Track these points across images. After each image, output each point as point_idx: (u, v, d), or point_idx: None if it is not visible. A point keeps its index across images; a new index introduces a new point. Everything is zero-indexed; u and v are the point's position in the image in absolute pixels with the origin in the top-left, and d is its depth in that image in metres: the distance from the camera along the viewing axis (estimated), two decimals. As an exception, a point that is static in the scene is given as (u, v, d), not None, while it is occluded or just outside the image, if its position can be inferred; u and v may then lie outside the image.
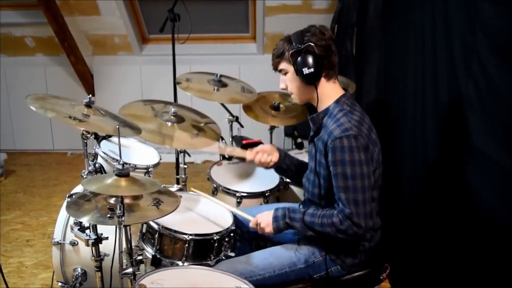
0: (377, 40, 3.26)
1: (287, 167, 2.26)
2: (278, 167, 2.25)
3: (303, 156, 2.37)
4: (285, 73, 1.94)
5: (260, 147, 2.25)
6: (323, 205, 1.95)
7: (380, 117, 2.02)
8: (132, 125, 2.13)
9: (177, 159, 3.13)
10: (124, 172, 1.75)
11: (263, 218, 2.00)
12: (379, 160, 1.88)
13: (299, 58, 1.84)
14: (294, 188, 2.72)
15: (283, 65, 1.93)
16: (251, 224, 2.05)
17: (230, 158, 2.88)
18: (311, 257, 1.96)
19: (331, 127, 1.83)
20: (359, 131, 1.80)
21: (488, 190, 1.78)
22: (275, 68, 1.98)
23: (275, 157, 2.22)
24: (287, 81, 1.95)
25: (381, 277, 2.03)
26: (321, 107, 1.94)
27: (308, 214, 1.89)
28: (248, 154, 2.24)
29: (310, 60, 1.82)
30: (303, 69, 1.83)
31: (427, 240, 2.30)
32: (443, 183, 2.14)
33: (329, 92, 1.92)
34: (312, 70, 1.83)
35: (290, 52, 1.86)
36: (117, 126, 1.85)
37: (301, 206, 2.17)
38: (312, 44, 1.83)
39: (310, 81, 1.87)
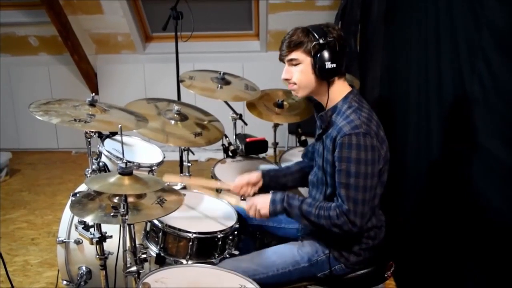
0: (381, 37, 3.25)
1: (274, 186, 2.24)
2: (266, 188, 2.23)
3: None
4: (296, 64, 1.89)
5: (242, 181, 2.19)
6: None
7: (384, 114, 2.00)
8: (138, 116, 2.15)
9: (181, 157, 3.13)
10: (127, 170, 1.74)
11: (260, 200, 1.98)
12: (386, 157, 1.87)
13: (322, 51, 1.81)
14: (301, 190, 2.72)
15: (298, 55, 1.87)
16: (246, 207, 2.02)
17: (234, 155, 2.89)
18: (314, 256, 1.95)
19: (340, 124, 1.82)
20: (368, 128, 1.79)
21: (493, 188, 1.77)
22: (284, 57, 1.91)
23: (257, 186, 2.20)
24: (296, 72, 1.89)
25: (386, 275, 2.02)
26: (330, 105, 1.92)
27: (306, 203, 1.89)
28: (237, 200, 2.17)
29: (333, 55, 1.81)
30: (326, 63, 1.80)
31: (431, 238, 2.29)
32: (448, 181, 2.13)
33: (339, 89, 1.90)
34: (334, 65, 1.81)
35: (313, 43, 1.82)
36: (120, 125, 1.85)
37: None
38: (335, 40, 1.82)
39: (327, 76, 1.84)
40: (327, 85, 1.88)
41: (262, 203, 1.95)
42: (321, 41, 1.81)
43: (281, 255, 1.98)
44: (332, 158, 1.85)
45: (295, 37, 1.86)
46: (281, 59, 1.92)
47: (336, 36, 1.83)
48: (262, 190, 2.21)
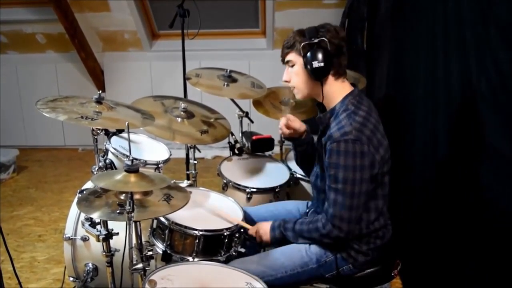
0: (388, 35, 3.24)
1: (307, 149, 2.26)
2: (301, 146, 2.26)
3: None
4: (292, 65, 1.92)
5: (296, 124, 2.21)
6: None
7: (390, 112, 2.00)
8: (144, 113, 2.16)
9: (187, 154, 3.13)
10: (133, 168, 1.75)
11: (263, 227, 2.07)
12: (384, 159, 1.85)
13: (310, 51, 1.82)
14: (304, 184, 2.71)
15: (292, 57, 1.90)
16: (250, 232, 2.11)
17: (240, 153, 2.88)
18: (322, 257, 1.95)
19: (332, 130, 1.82)
20: (359, 134, 1.77)
21: (500, 186, 1.76)
22: (283, 59, 1.96)
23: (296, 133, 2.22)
24: (293, 74, 1.93)
25: (393, 274, 2.01)
26: (329, 106, 1.92)
27: (299, 222, 1.96)
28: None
29: (321, 54, 1.81)
30: (313, 62, 1.81)
31: (438, 237, 2.28)
32: (455, 179, 2.12)
33: (336, 90, 1.90)
34: (322, 64, 1.81)
35: (302, 44, 1.84)
36: (127, 123, 1.85)
37: (309, 204, 2.17)
38: (326, 40, 1.81)
39: (317, 76, 1.85)
40: (320, 85, 1.88)
41: (264, 231, 2.06)
42: (309, 41, 1.83)
43: (290, 257, 1.98)
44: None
45: (291, 38, 1.90)
46: (282, 61, 1.97)
47: (330, 36, 1.83)
48: (301, 141, 2.24)
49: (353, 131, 1.77)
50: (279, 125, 2.19)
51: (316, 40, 1.82)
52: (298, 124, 2.20)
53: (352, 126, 1.78)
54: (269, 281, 1.89)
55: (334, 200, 1.80)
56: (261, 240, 2.06)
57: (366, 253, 1.93)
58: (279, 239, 2.03)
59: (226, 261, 2.02)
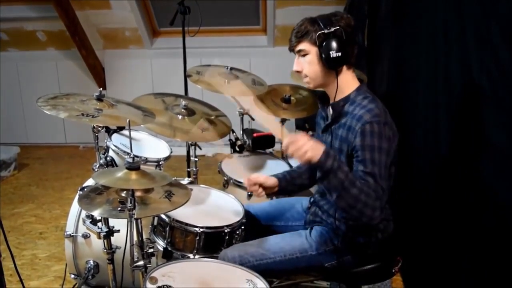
0: (388, 32, 3.23)
1: (291, 189, 2.22)
2: (283, 192, 2.22)
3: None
4: (304, 55, 1.88)
5: (257, 180, 2.11)
6: None
7: (392, 109, 1.99)
8: (145, 111, 2.16)
9: (188, 152, 3.13)
10: (134, 165, 1.75)
11: (311, 143, 1.71)
12: (395, 150, 1.85)
13: (327, 41, 1.80)
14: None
15: (305, 46, 1.86)
16: (286, 141, 1.74)
17: (241, 150, 2.89)
18: (322, 245, 1.95)
19: (359, 112, 1.79)
20: (386, 119, 1.79)
21: (501, 183, 1.76)
22: (293, 48, 1.90)
23: (270, 191, 2.16)
24: (305, 63, 1.89)
25: (393, 271, 2.02)
26: (340, 96, 1.89)
27: (351, 174, 1.74)
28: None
29: (338, 44, 1.79)
30: (330, 52, 1.79)
31: (439, 235, 2.28)
32: (456, 176, 2.11)
33: (349, 80, 1.89)
34: (339, 54, 1.79)
35: (318, 33, 1.81)
36: (128, 120, 1.85)
37: (311, 199, 2.16)
38: (341, 29, 1.80)
39: (333, 66, 1.82)
40: (335, 75, 1.86)
41: (313, 147, 1.71)
42: (326, 30, 1.80)
43: (290, 242, 1.98)
44: (346, 147, 1.82)
45: (302, 27, 1.86)
46: (291, 50, 1.92)
47: (344, 25, 1.81)
48: (278, 193, 2.19)
49: (381, 114, 1.77)
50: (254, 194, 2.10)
51: (332, 29, 1.80)
52: (262, 178, 2.11)
53: (379, 110, 1.78)
54: (267, 264, 1.89)
55: (379, 174, 1.72)
56: (302, 154, 1.70)
57: (366, 245, 1.93)
58: (326, 167, 1.70)
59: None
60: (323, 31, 1.80)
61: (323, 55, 1.80)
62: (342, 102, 1.89)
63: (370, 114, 1.76)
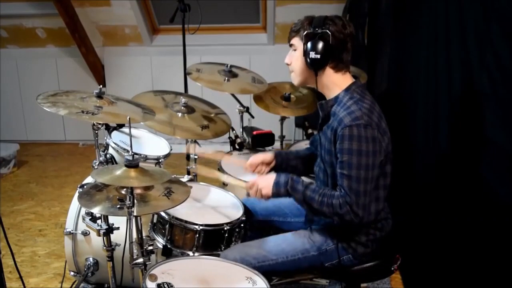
0: (389, 30, 3.23)
1: (285, 167, 2.22)
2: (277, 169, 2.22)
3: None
4: (295, 49, 1.93)
5: (257, 160, 2.17)
6: None
7: (392, 107, 2.00)
8: (145, 108, 2.16)
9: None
10: (133, 163, 1.75)
11: (263, 180, 1.95)
12: (388, 149, 1.85)
13: (311, 41, 1.82)
14: (304, 179, 2.71)
15: (295, 41, 1.91)
16: (246, 185, 2.00)
17: (240, 148, 2.88)
18: (323, 245, 1.95)
19: (341, 115, 1.81)
20: (369, 120, 1.78)
21: (501, 182, 1.76)
22: (289, 41, 1.96)
23: (270, 166, 2.19)
24: (293, 58, 1.94)
25: (392, 268, 2.02)
26: (330, 95, 1.92)
27: (310, 189, 1.87)
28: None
29: (320, 46, 1.81)
30: (311, 53, 1.82)
31: (439, 233, 2.28)
32: (456, 175, 2.11)
33: (337, 81, 1.90)
34: (318, 56, 1.82)
35: (306, 32, 1.85)
36: (128, 117, 1.85)
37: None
38: (329, 33, 1.81)
39: (312, 66, 1.86)
40: (314, 75, 1.89)
41: (265, 184, 1.93)
42: (313, 30, 1.83)
43: (291, 243, 1.98)
44: (333, 148, 1.85)
45: (299, 23, 1.91)
46: (288, 43, 1.97)
47: (334, 29, 1.82)
48: (274, 169, 2.20)
49: (363, 116, 1.77)
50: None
51: (319, 31, 1.82)
52: (261, 156, 2.17)
53: (361, 112, 1.78)
54: (269, 266, 1.90)
55: (348, 187, 1.77)
56: (259, 195, 1.94)
57: (365, 244, 1.93)
58: (282, 196, 1.94)
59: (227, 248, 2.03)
60: (311, 31, 1.84)
61: (305, 54, 1.85)
62: (332, 102, 1.91)
63: (350, 117, 1.77)
